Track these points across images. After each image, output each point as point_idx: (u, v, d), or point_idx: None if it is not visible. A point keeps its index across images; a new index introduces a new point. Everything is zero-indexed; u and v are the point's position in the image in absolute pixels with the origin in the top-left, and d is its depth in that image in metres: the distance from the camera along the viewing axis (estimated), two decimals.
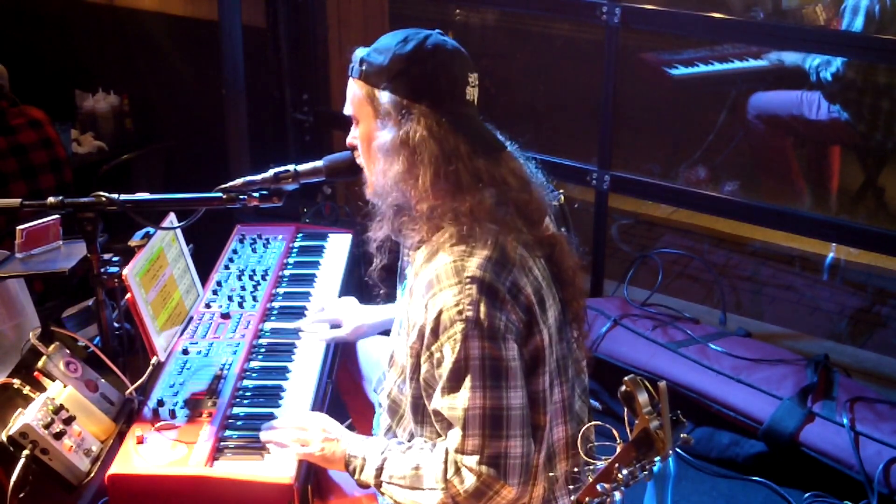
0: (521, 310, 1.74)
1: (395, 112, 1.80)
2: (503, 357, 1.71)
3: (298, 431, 1.98)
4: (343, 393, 2.58)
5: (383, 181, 1.82)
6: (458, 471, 1.73)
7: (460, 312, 1.69)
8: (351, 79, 1.90)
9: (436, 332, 1.72)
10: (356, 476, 1.89)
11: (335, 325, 2.46)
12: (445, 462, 1.74)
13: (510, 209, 1.82)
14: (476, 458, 1.70)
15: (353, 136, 1.94)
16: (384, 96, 1.81)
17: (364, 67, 1.85)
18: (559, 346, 1.85)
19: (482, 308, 1.69)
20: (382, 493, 1.86)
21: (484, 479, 1.70)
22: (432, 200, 1.78)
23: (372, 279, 2.03)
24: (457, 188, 1.78)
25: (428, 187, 1.77)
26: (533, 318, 1.77)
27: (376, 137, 1.83)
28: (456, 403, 1.71)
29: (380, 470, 1.84)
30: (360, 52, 1.89)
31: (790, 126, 4.33)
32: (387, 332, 2.38)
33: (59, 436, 1.88)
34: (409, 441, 1.90)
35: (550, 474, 1.86)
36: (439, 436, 1.82)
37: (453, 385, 1.71)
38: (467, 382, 1.70)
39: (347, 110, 1.93)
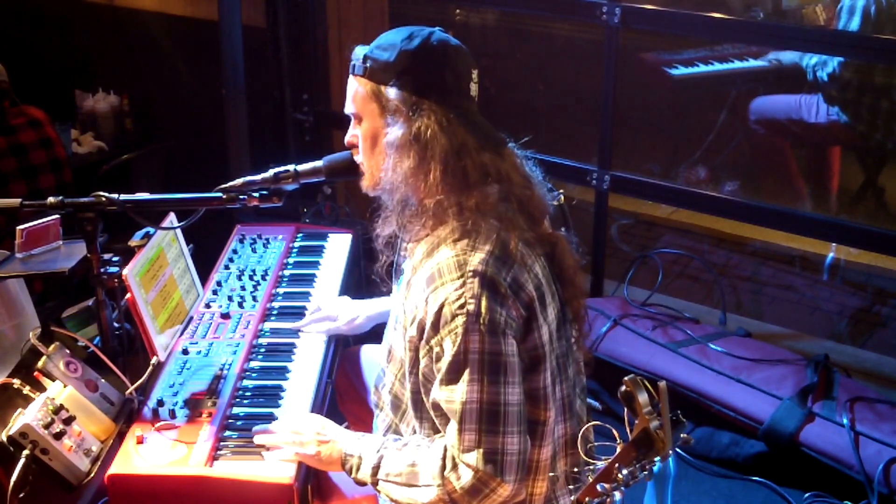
0: (521, 306, 1.75)
1: (404, 108, 1.80)
2: (502, 352, 1.71)
3: (293, 434, 1.98)
4: (343, 401, 2.57)
5: (392, 177, 1.81)
6: (455, 467, 1.73)
7: (462, 306, 1.70)
8: (353, 76, 1.88)
9: (436, 326, 1.73)
10: (353, 474, 1.89)
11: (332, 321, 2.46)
12: (443, 458, 1.75)
13: (513, 206, 1.83)
14: (473, 453, 1.70)
15: (353, 135, 1.94)
16: (392, 92, 1.81)
17: (368, 64, 1.84)
18: (559, 344, 1.86)
19: (483, 302, 1.70)
20: (379, 491, 1.86)
21: (480, 476, 1.70)
22: (439, 195, 1.79)
23: (378, 276, 2.03)
24: (464, 183, 1.79)
25: (438, 182, 1.78)
26: (533, 314, 1.77)
27: (385, 133, 1.83)
28: (454, 396, 1.72)
29: (376, 468, 1.84)
30: (361, 50, 1.88)
31: (790, 130, 4.34)
32: (382, 324, 2.38)
33: (59, 436, 1.88)
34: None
35: (551, 474, 1.87)
36: (438, 432, 1.82)
37: (452, 378, 1.72)
38: (466, 376, 1.70)
39: (349, 108, 1.91)
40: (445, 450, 1.75)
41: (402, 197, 1.82)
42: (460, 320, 1.70)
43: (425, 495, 1.77)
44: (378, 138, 1.86)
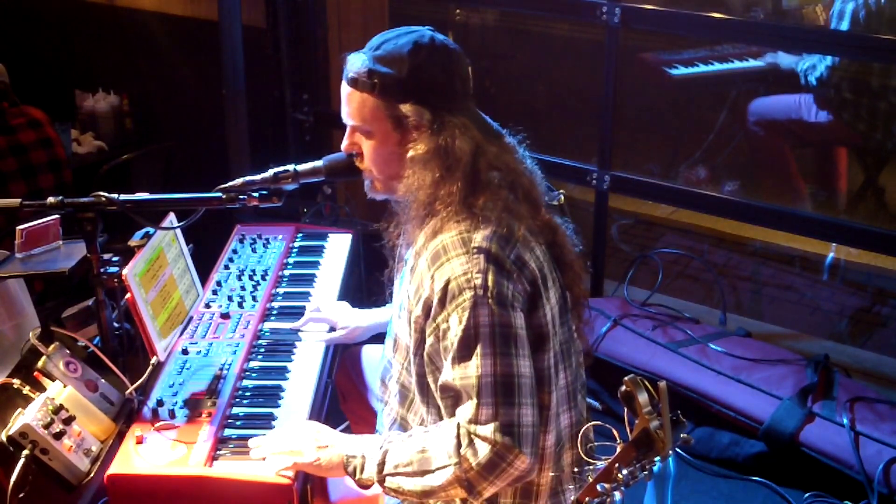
0: (526, 281, 1.77)
1: (425, 123, 1.81)
2: (512, 324, 1.72)
3: (289, 444, 1.94)
4: (345, 401, 2.56)
5: (415, 189, 1.82)
6: (471, 443, 1.71)
7: (469, 281, 1.71)
8: (357, 91, 1.86)
9: (443, 302, 1.74)
10: (357, 476, 1.86)
11: (332, 328, 2.46)
12: (457, 436, 1.73)
13: (518, 195, 1.85)
14: (490, 426, 1.70)
15: (353, 143, 1.94)
16: (409, 109, 1.81)
17: (376, 80, 1.82)
18: (562, 329, 1.87)
19: (490, 276, 1.71)
20: (387, 489, 1.83)
21: (498, 450, 1.69)
22: (457, 199, 1.79)
23: (388, 279, 2.04)
24: (476, 182, 1.81)
25: (461, 188, 1.79)
26: (537, 291, 1.79)
27: (407, 149, 1.83)
28: (468, 372, 1.71)
29: (382, 464, 1.82)
30: (361, 61, 1.84)
31: (790, 130, 4.33)
32: (382, 336, 2.38)
33: (58, 436, 1.88)
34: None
35: (552, 474, 1.86)
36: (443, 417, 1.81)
37: (464, 354, 1.72)
38: (478, 350, 1.71)
39: (350, 121, 1.91)
40: (458, 427, 1.73)
41: (420, 205, 1.82)
42: (468, 294, 1.71)
43: (440, 478, 1.75)
44: (393, 152, 1.86)
